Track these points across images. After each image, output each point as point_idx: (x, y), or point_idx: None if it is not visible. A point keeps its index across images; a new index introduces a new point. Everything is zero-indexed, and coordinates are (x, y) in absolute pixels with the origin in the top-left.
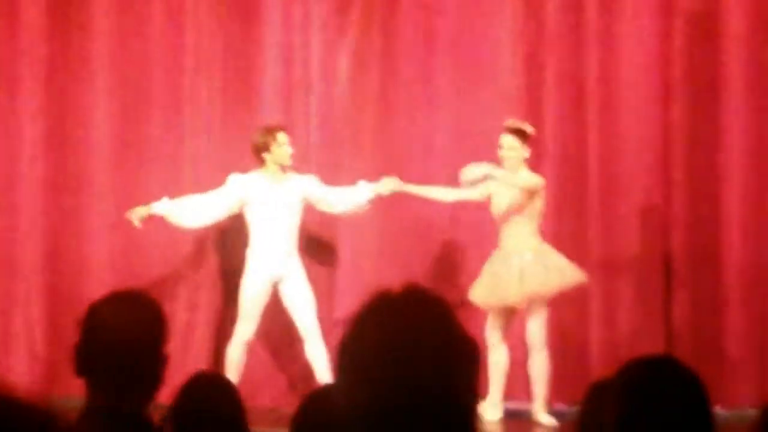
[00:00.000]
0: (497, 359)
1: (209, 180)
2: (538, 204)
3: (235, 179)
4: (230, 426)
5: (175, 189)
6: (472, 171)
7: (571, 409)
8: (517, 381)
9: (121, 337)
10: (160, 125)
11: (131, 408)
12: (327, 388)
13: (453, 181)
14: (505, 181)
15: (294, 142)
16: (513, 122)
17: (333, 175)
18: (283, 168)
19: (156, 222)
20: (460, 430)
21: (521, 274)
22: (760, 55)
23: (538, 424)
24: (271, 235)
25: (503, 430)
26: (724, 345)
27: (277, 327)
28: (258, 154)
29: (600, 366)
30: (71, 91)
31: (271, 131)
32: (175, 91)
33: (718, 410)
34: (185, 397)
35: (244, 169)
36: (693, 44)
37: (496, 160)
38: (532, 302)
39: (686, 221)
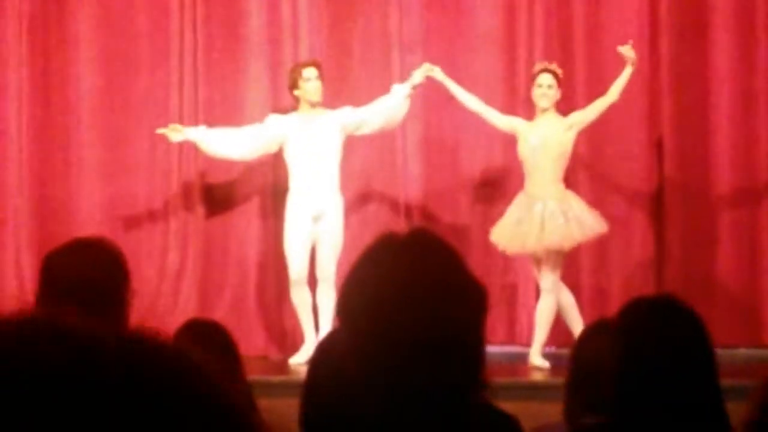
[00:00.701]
0: (562, 301)
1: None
2: (568, 148)
3: (272, 118)
4: (226, 374)
5: (163, 139)
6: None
7: (560, 351)
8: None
9: (77, 285)
10: (147, 73)
11: None
12: (334, 331)
13: (434, 121)
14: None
15: (281, 89)
16: (545, 64)
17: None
18: (313, 104)
19: (144, 168)
20: (465, 373)
21: (542, 223)
22: None
23: (532, 367)
24: (308, 173)
25: (503, 373)
26: (714, 284)
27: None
28: (291, 93)
29: (590, 308)
30: (55, 39)
31: (297, 68)
32: (162, 38)
33: None
34: (177, 345)
35: (231, 116)
36: None
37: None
38: (550, 252)
39: (676, 159)
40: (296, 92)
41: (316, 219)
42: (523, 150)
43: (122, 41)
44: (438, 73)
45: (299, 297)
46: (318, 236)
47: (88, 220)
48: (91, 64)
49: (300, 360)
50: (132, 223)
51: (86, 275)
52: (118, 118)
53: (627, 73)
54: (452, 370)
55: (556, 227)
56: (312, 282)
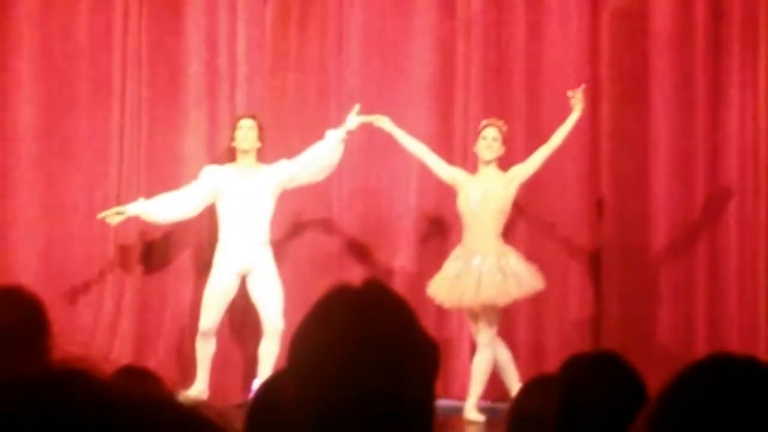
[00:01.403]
0: (498, 357)
1: (135, 175)
2: (508, 203)
3: (208, 170)
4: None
5: (102, 184)
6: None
7: (495, 406)
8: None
9: None
10: (87, 118)
11: None
12: (279, 378)
13: (363, 173)
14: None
15: (218, 137)
16: (492, 120)
17: None
18: (244, 152)
19: (81, 216)
20: (413, 430)
21: (479, 279)
22: (686, 51)
23: (467, 421)
24: (239, 226)
25: (437, 426)
26: (651, 342)
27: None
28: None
29: (527, 365)
30: None
31: (237, 119)
32: (101, 85)
33: None
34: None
35: (171, 165)
36: (620, 41)
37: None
38: (486, 307)
39: (615, 217)
40: (233, 143)
41: (244, 274)
42: (463, 203)
43: (62, 87)
44: (385, 123)
45: (203, 347)
46: (255, 292)
47: (24, 268)
48: (30, 109)
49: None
50: (68, 269)
51: (3, 324)
52: (57, 163)
53: (573, 118)
54: (402, 427)
55: (492, 283)
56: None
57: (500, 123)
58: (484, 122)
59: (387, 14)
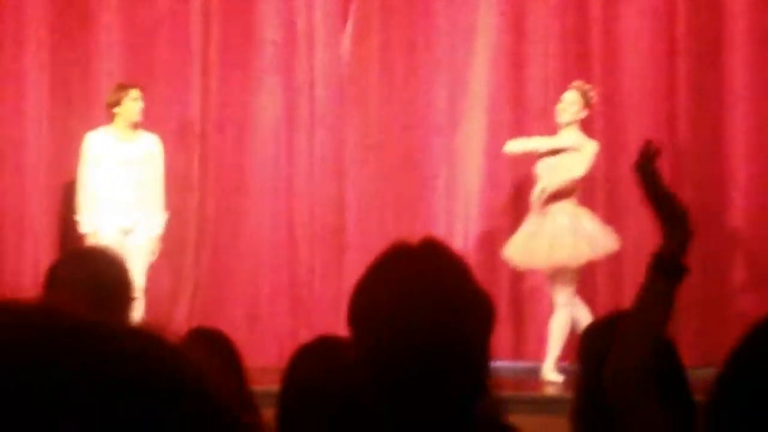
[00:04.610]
0: (577, 316)
1: (213, 145)
2: (581, 167)
3: (89, 137)
4: (230, 383)
5: (185, 158)
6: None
7: (573, 366)
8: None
9: (83, 291)
10: (166, 86)
11: None
12: (316, 343)
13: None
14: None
15: (298, 105)
16: (580, 84)
17: (337, 136)
18: (133, 125)
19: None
20: (470, 384)
21: (552, 241)
22: (763, 12)
23: (546, 382)
24: (119, 189)
25: (513, 387)
26: (728, 303)
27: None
28: (109, 109)
29: None
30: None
31: (125, 87)
32: (182, 59)
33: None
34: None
35: (247, 131)
36: (696, 3)
37: (493, 122)
38: (558, 268)
39: (692, 180)
40: (117, 109)
41: (127, 233)
42: (539, 164)
43: (144, 52)
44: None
45: None
46: (128, 249)
47: None
48: (112, 75)
49: None
50: None
51: (93, 281)
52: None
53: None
54: (456, 380)
55: (564, 245)
56: None
57: (586, 87)
58: (572, 84)
59: None
